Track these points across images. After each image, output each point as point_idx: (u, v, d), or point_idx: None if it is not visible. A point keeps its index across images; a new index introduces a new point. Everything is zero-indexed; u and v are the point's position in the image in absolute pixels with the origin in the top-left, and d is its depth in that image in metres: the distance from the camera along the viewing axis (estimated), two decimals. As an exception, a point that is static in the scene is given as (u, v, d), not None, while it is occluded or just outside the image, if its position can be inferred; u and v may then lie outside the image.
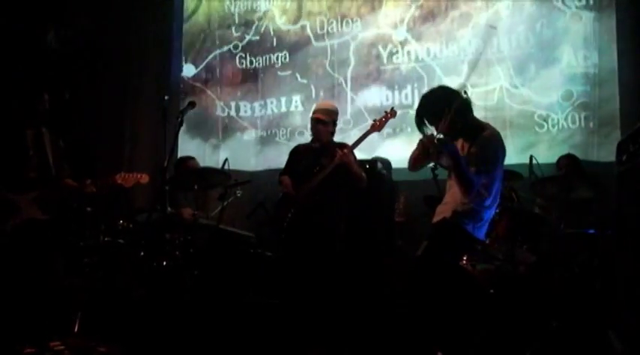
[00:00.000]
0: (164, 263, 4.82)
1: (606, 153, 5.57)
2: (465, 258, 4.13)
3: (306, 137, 5.43)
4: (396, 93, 6.62)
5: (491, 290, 4.05)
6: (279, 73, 7.26)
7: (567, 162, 5.27)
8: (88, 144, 6.71)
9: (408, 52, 6.62)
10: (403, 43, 6.65)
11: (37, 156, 4.20)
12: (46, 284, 4.12)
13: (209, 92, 7.61)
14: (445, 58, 6.43)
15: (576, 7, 5.93)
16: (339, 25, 6.98)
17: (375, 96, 6.72)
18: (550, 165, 5.37)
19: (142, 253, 4.86)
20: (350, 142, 4.86)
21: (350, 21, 6.93)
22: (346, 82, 6.91)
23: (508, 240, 4.37)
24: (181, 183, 5.37)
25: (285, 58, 7.25)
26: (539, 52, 6.05)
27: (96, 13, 7.05)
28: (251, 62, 7.43)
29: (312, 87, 7.01)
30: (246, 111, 7.41)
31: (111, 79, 7.17)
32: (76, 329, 4.18)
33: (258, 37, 7.41)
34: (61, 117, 4.40)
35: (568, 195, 4.54)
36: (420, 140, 3.50)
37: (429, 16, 6.57)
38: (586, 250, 4.50)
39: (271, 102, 7.29)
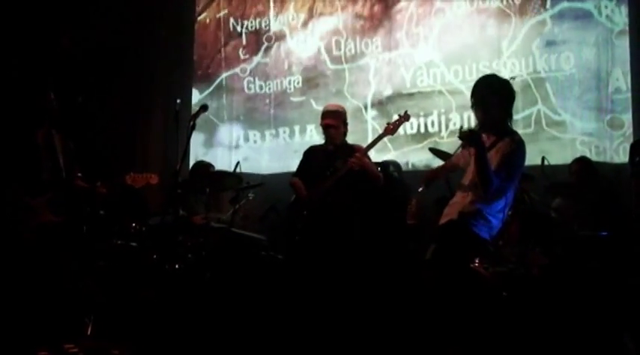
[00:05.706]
0: (176, 266, 4.83)
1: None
2: (477, 261, 4.11)
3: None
4: (421, 119, 6.17)
5: (504, 293, 4.03)
6: (291, 98, 6.88)
7: (578, 167, 5.16)
8: (100, 147, 6.74)
9: (434, 75, 6.19)
10: (428, 65, 6.22)
11: (48, 159, 4.23)
12: (60, 287, 4.15)
13: (215, 120, 7.29)
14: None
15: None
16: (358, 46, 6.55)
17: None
18: (564, 166, 5.33)
19: (155, 256, 4.89)
20: None
21: (369, 41, 6.55)
22: (366, 109, 6.52)
23: (521, 243, 4.35)
24: (194, 186, 5.39)
25: (298, 83, 6.88)
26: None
27: (110, 17, 7.08)
28: (260, 87, 7.12)
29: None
30: (255, 142, 7.09)
31: (123, 82, 7.20)
32: (89, 332, 4.20)
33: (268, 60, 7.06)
34: (73, 119, 4.42)
35: (581, 197, 4.51)
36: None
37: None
38: (599, 252, 4.47)
39: (284, 132, 6.93)
